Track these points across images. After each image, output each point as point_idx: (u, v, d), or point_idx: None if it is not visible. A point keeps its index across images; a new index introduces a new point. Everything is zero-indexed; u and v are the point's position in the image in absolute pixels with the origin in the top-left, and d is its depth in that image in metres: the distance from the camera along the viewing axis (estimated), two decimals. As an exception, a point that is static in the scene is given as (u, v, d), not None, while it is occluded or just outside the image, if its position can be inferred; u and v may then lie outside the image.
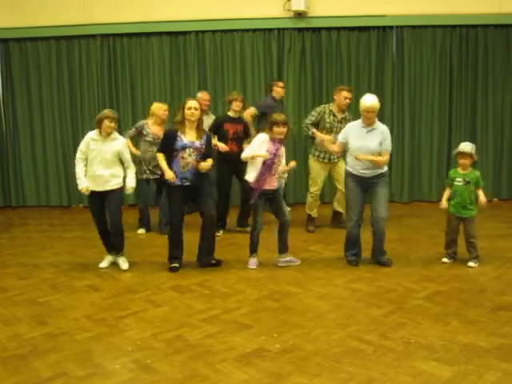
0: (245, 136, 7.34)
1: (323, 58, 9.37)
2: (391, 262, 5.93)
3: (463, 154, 5.75)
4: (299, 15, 9.10)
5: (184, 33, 9.41)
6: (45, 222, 8.80)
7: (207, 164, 5.75)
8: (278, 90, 8.17)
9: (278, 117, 5.78)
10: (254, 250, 6.03)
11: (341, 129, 6.63)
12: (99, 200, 5.89)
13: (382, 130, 5.77)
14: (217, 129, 7.25)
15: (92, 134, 5.81)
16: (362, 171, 5.77)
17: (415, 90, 9.37)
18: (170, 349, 4.00)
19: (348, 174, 5.92)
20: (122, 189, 5.94)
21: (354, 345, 3.99)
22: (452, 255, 5.99)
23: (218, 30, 9.36)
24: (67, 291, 5.37)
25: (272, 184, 5.86)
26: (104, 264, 6.10)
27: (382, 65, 9.35)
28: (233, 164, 7.11)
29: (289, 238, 6.05)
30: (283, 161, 5.92)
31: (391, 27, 9.25)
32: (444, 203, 5.91)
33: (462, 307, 4.68)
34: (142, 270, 5.92)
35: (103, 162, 5.77)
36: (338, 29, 9.25)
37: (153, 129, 7.48)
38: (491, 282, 5.31)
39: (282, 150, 5.89)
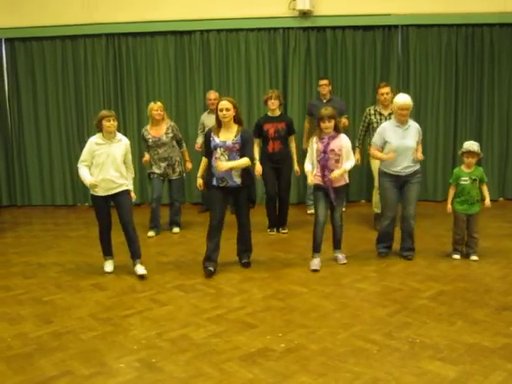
0: (289, 134, 7.26)
1: (328, 57, 9.35)
2: (412, 257, 6.10)
3: (471, 153, 5.85)
4: (304, 14, 9.08)
5: (189, 32, 9.40)
6: (50, 221, 8.81)
7: (223, 164, 5.51)
8: (319, 89, 8.26)
9: (324, 111, 5.68)
10: (316, 248, 5.92)
11: None
12: (107, 205, 5.75)
13: (416, 127, 5.99)
14: (259, 131, 7.19)
15: (95, 139, 5.63)
16: (398, 170, 5.93)
17: (421, 90, 9.34)
18: (175, 348, 4.01)
19: (383, 174, 6.08)
20: (130, 192, 5.86)
21: (358, 344, 3.99)
22: (461, 251, 6.09)
23: (222, 30, 9.35)
24: (72, 290, 5.38)
25: (334, 182, 5.76)
26: (109, 268, 5.92)
27: (387, 64, 9.32)
28: (273, 164, 7.21)
29: (295, 237, 6.03)
30: (350, 155, 5.80)
31: (396, 26, 9.21)
32: (449, 206, 6.03)
33: (467, 307, 4.66)
34: (147, 269, 5.90)
35: (114, 164, 5.61)
36: (343, 28, 9.22)
37: (152, 132, 7.35)
38: (496, 282, 5.29)
39: (340, 142, 5.74)
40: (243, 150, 5.61)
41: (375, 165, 7.13)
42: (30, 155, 9.92)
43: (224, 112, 5.51)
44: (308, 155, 5.90)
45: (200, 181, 5.91)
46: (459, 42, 9.21)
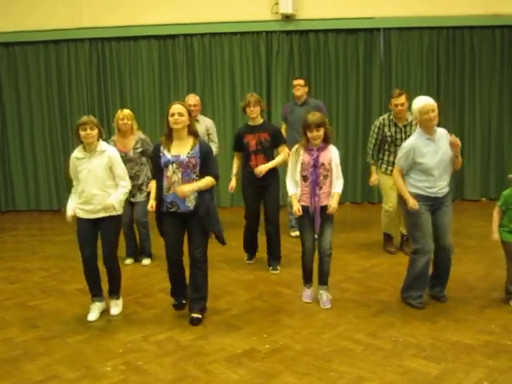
0: (276, 144, 5.93)
1: (311, 61, 9.41)
2: (446, 298, 4.90)
3: None
4: (287, 18, 9.14)
5: (172, 36, 9.42)
6: (35, 227, 8.78)
7: (187, 188, 4.40)
8: (293, 90, 7.22)
9: (311, 117, 4.65)
10: (307, 278, 5.07)
11: (404, 139, 5.80)
12: (92, 230, 4.71)
13: (443, 131, 4.85)
14: (239, 144, 5.96)
15: (75, 153, 4.72)
16: (435, 191, 4.68)
17: (403, 92, 9.42)
18: (161, 350, 4.03)
19: (414, 196, 4.67)
20: (119, 217, 4.83)
21: (343, 344, 4.04)
22: None
23: (206, 34, 9.37)
24: (57, 295, 5.38)
25: (321, 201, 4.79)
26: (93, 316, 4.74)
27: (369, 67, 9.39)
28: (258, 182, 5.85)
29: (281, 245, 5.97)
30: (339, 172, 4.81)
31: (378, 29, 9.29)
32: (496, 234, 4.78)
33: (450, 306, 4.73)
34: (133, 272, 5.92)
35: (97, 181, 4.64)
36: (326, 31, 9.29)
37: (119, 144, 6.17)
38: (479, 281, 5.36)
39: (330, 155, 4.76)
40: (205, 166, 4.53)
41: (386, 182, 6.33)
42: (13, 160, 9.85)
43: (176, 117, 4.43)
44: (289, 171, 4.88)
45: (153, 202, 4.81)
46: (440, 44, 9.31)
